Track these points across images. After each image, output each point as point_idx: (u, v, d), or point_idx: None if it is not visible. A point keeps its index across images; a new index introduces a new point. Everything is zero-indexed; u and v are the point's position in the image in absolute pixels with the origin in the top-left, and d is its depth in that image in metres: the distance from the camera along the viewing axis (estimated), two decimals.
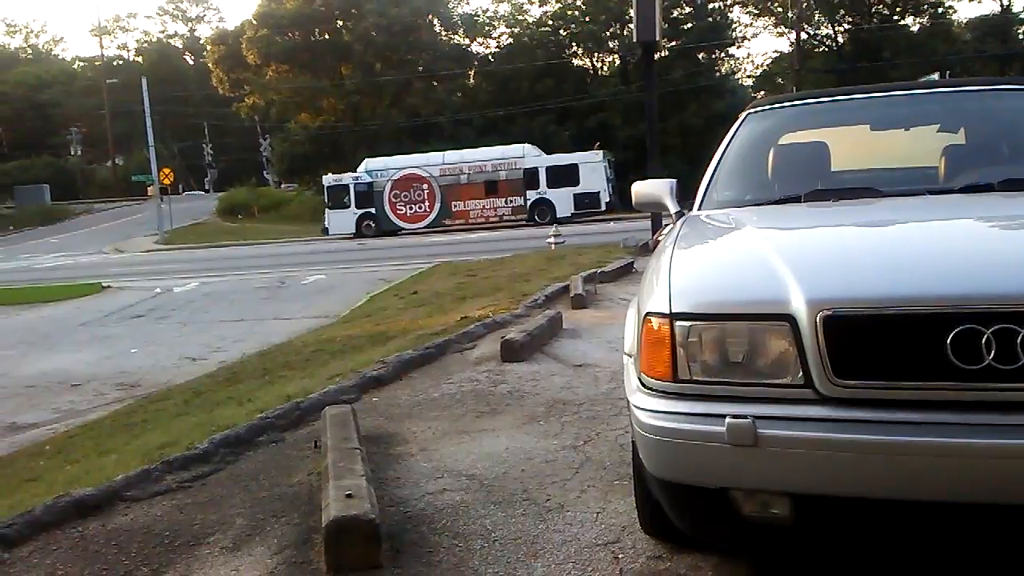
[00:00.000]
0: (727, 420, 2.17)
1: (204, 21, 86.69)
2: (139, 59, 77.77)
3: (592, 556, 2.96)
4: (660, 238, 3.77)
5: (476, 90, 51.42)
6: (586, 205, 33.46)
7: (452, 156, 36.00)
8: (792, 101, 4.35)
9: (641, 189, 4.00)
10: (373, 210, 35.51)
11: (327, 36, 53.57)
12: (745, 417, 2.17)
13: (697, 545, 2.85)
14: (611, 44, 51.05)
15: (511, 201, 34.63)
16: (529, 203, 34.37)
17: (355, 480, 3.33)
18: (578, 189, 33.65)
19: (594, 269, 12.02)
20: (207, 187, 70.17)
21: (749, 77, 57.36)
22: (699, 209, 3.70)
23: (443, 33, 54.97)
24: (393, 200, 35.40)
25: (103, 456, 5.34)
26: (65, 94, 70.53)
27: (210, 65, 59.52)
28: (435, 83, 51.32)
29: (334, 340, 9.13)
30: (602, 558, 2.95)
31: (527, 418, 4.75)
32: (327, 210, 36.31)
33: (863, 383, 2.13)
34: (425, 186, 35.16)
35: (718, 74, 51.67)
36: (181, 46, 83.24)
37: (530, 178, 34.24)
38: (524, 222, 34.06)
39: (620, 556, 2.95)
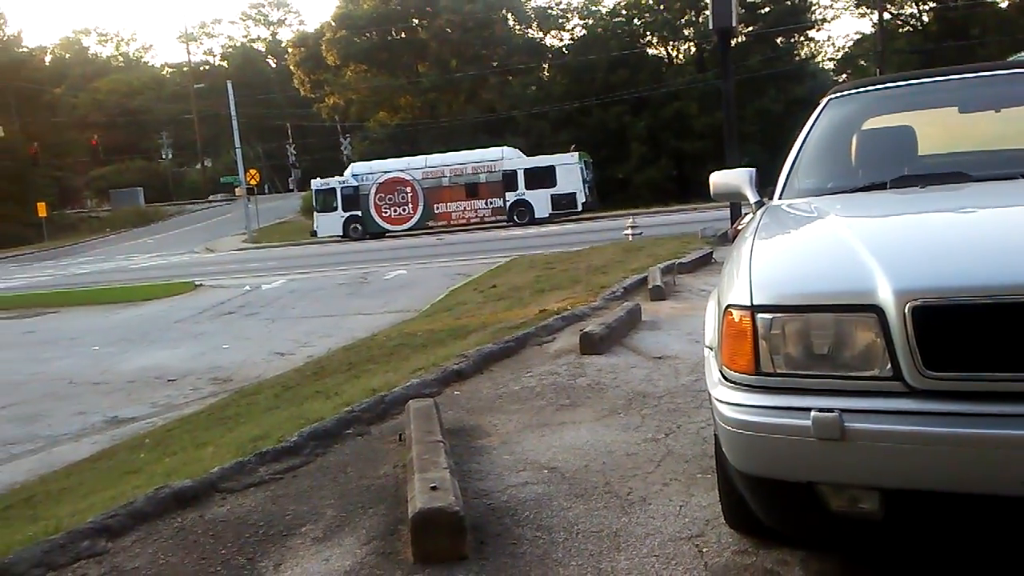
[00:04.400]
0: (813, 414, 2.15)
1: (285, 24, 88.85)
2: (224, 64, 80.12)
3: (676, 550, 2.96)
4: (739, 228, 3.72)
5: (550, 83, 51.30)
6: (563, 205, 34.20)
7: (435, 160, 36.87)
8: (876, 84, 4.22)
9: (719, 179, 3.95)
10: (359, 213, 36.42)
11: (403, 35, 54.30)
12: (831, 410, 2.14)
13: (783, 539, 2.82)
14: (686, 32, 50.30)
15: (491, 203, 35.40)
16: (508, 204, 35.11)
17: (439, 473, 3.40)
18: (555, 190, 34.29)
19: (672, 260, 11.89)
20: (291, 187, 71.91)
21: (830, 60, 55.67)
22: (780, 198, 3.63)
23: (517, 27, 55.08)
24: (378, 203, 36.30)
25: (199, 449, 5.55)
26: (155, 100, 73.18)
27: (291, 67, 61.04)
28: (510, 77, 51.45)
29: (416, 334, 9.28)
30: (686, 552, 2.94)
31: (607, 411, 4.75)
32: (316, 213, 37.38)
33: (954, 375, 2.07)
34: (409, 189, 36.07)
35: (797, 58, 50.34)
36: (264, 50, 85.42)
37: (509, 180, 34.91)
38: (504, 223, 34.78)
39: (704, 550, 2.94)
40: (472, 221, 35.64)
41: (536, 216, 34.09)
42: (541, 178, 34.50)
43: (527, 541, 3.13)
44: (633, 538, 3.08)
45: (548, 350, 6.56)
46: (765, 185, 3.84)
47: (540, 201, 34.47)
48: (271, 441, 4.56)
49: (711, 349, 2.73)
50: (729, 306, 2.42)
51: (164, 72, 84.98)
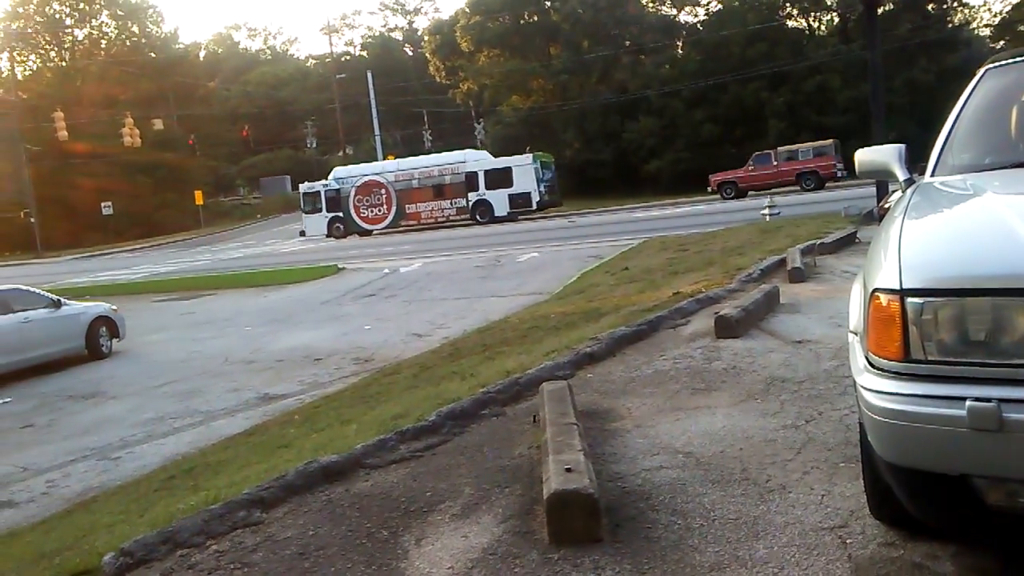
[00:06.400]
0: (968, 403, 2.04)
1: (421, 13, 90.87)
2: (364, 54, 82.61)
3: (818, 540, 2.88)
4: (887, 207, 3.56)
5: (684, 60, 50.09)
6: (519, 204, 35.94)
7: (405, 163, 39.90)
8: None
9: (866, 156, 3.78)
10: (341, 214, 38.78)
11: (535, 18, 54.41)
12: (988, 400, 2.03)
13: (933, 532, 2.70)
14: (829, 1, 47.99)
15: (455, 203, 37.38)
16: (471, 204, 36.93)
17: (573, 455, 3.43)
18: (512, 190, 35.95)
19: (813, 240, 11.48)
20: None
21: (986, 27, 51.67)
22: (932, 175, 3.44)
23: (650, 5, 54.15)
24: (357, 204, 38.68)
25: (344, 425, 5.80)
26: (300, 91, 76.30)
27: (427, 55, 62.33)
28: (642, 56, 50.67)
29: (548, 317, 9.35)
30: (828, 543, 2.85)
31: (744, 396, 4.65)
32: (303, 214, 39.90)
33: None
34: (383, 191, 38.35)
35: (950, 25, 47.09)
36: (401, 38, 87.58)
37: (471, 181, 36.80)
38: (466, 222, 36.74)
39: (848, 541, 2.84)
40: (440, 220, 37.64)
41: (496, 214, 36.00)
42: (499, 179, 36.27)
43: (662, 526, 3.12)
44: (772, 527, 3.01)
45: (682, 333, 6.48)
46: (915, 161, 3.65)
47: (499, 200, 36.22)
48: (410, 420, 4.72)
49: (856, 334, 2.63)
50: (876, 290, 2.32)
51: (308, 64, 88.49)
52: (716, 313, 6.41)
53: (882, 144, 3.93)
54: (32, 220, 41.97)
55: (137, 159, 49.75)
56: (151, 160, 52.25)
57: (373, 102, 46.03)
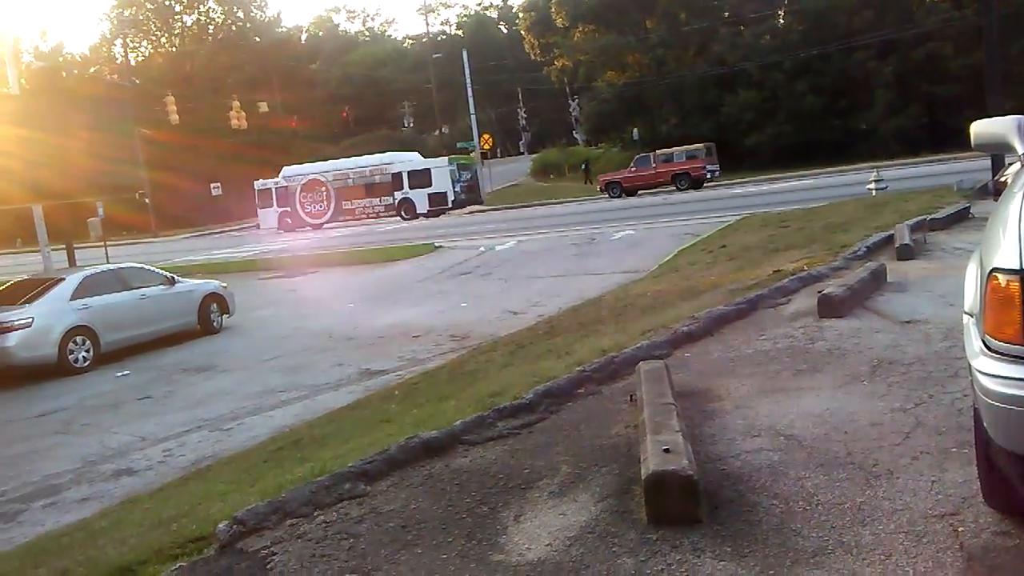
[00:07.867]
0: None
1: None
2: (459, 32, 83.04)
3: (927, 527, 2.79)
4: (1003, 181, 3.38)
5: (786, 31, 48.45)
6: (437, 203, 38.73)
7: (342, 163, 42.98)
8: None
9: (982, 128, 3.59)
10: (289, 208, 41.73)
11: None
12: None
13: None
14: None
15: (384, 200, 40.21)
16: (396, 202, 39.72)
17: (671, 436, 3.41)
18: (431, 190, 38.80)
19: (922, 216, 11.02)
20: (522, 150, 73.83)
21: None
22: None
23: None
24: (302, 200, 41.80)
25: (443, 402, 5.91)
26: (398, 71, 77.25)
27: (522, 32, 62.23)
28: (742, 27, 49.25)
29: (644, 295, 9.27)
30: (939, 530, 2.77)
31: (849, 377, 4.53)
32: (258, 208, 43.04)
33: None
34: (324, 189, 41.44)
35: None
36: (496, 16, 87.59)
37: (397, 181, 39.74)
38: (392, 218, 39.29)
39: (960, 529, 2.75)
40: (371, 216, 40.27)
41: (418, 212, 38.78)
42: (420, 179, 39.08)
43: (763, 509, 3.08)
44: (879, 512, 2.94)
45: (783, 312, 6.33)
46: None
47: (420, 199, 38.99)
48: (507, 397, 4.78)
49: (971, 315, 2.53)
50: (994, 270, 2.23)
51: (405, 44, 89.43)
52: (819, 292, 6.25)
53: (999, 115, 3.72)
54: (147, 201, 43.98)
55: (244, 141, 51.44)
56: (257, 141, 53.87)
57: (468, 81, 46.44)
